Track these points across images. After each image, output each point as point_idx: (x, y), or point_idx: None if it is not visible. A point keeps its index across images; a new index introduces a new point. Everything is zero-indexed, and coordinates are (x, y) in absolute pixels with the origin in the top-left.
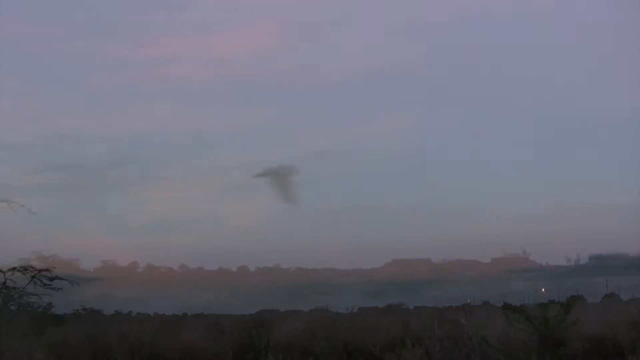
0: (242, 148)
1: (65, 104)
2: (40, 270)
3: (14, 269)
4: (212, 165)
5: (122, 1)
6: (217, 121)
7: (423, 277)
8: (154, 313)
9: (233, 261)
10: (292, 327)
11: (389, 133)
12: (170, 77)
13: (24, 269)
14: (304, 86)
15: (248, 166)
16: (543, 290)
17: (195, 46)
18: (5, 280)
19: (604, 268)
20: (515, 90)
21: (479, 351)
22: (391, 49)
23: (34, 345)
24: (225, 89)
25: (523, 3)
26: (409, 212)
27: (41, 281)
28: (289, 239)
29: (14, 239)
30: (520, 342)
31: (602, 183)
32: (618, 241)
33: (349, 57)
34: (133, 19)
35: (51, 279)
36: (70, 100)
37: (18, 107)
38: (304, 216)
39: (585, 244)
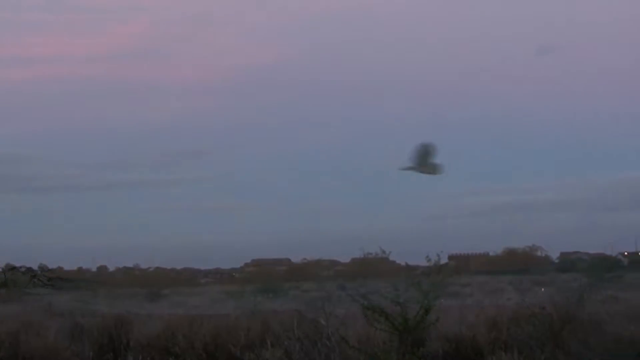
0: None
1: None
2: (39, 271)
3: (13, 268)
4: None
5: None
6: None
7: (283, 276)
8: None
9: (92, 260)
10: (153, 326)
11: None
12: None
13: (26, 270)
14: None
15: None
16: (542, 289)
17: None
18: (6, 280)
19: (465, 267)
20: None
21: (338, 351)
22: None
23: None
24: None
25: None
26: (268, 211)
27: (41, 281)
28: (149, 238)
29: None
30: (380, 342)
31: (461, 183)
32: (479, 241)
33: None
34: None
35: (49, 279)
36: None
37: None
38: (163, 215)
39: (445, 243)
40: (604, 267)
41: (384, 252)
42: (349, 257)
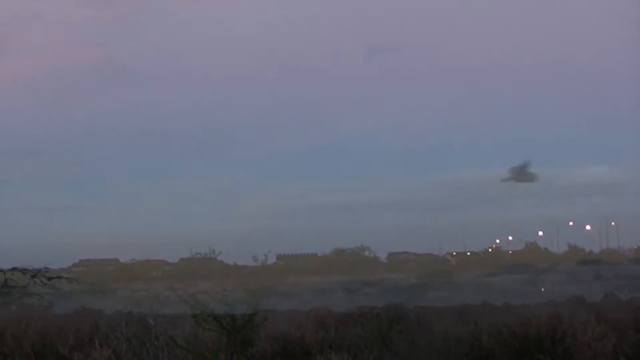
0: None
1: None
2: (39, 270)
3: (14, 268)
4: None
5: None
6: None
7: (111, 277)
8: None
9: None
10: None
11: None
12: None
13: (24, 269)
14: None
15: None
16: (542, 289)
17: None
18: (6, 280)
19: (293, 267)
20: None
21: (167, 351)
22: None
23: None
24: None
25: None
26: (96, 212)
27: (41, 281)
28: None
29: None
30: (208, 342)
31: (291, 184)
32: (308, 241)
33: None
34: None
35: (49, 278)
36: None
37: None
38: None
39: (274, 244)
40: (432, 267)
41: (212, 252)
42: (178, 257)
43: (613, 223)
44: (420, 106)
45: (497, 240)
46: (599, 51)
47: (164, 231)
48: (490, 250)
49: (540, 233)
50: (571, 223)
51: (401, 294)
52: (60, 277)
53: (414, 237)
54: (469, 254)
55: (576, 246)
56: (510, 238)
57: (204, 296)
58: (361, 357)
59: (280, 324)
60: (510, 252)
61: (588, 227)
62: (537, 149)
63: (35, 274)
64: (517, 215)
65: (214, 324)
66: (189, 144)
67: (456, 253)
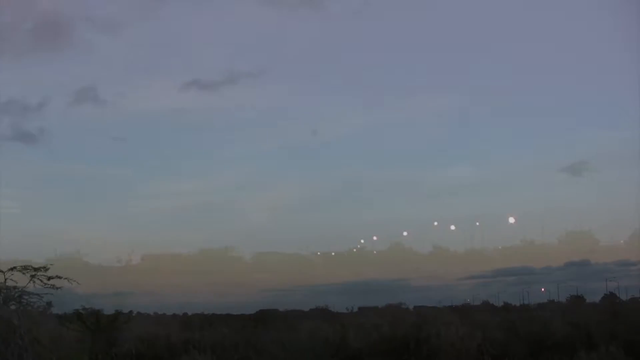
0: None
1: None
2: (39, 269)
3: (13, 268)
4: None
5: None
6: None
7: None
8: None
9: None
10: None
11: None
12: None
13: (24, 268)
14: None
15: None
16: (543, 290)
17: None
18: (5, 279)
19: (158, 268)
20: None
21: (31, 351)
22: None
23: None
24: None
25: None
26: None
27: (41, 280)
28: None
29: None
30: (74, 341)
31: (152, 182)
32: (173, 243)
33: None
34: None
35: (50, 277)
36: None
37: None
38: None
39: (138, 244)
40: (297, 267)
41: (78, 253)
42: (44, 257)
43: (478, 223)
44: (294, 103)
45: (362, 240)
46: (476, 53)
47: (31, 231)
48: (354, 250)
49: (405, 233)
50: (436, 223)
51: (267, 294)
52: (60, 278)
53: (280, 237)
54: (333, 254)
55: (441, 247)
56: (375, 238)
57: (68, 296)
58: (226, 356)
59: (145, 324)
60: (375, 252)
61: (452, 227)
62: (403, 150)
63: (34, 273)
64: (383, 216)
65: (78, 324)
66: None
67: (321, 253)
